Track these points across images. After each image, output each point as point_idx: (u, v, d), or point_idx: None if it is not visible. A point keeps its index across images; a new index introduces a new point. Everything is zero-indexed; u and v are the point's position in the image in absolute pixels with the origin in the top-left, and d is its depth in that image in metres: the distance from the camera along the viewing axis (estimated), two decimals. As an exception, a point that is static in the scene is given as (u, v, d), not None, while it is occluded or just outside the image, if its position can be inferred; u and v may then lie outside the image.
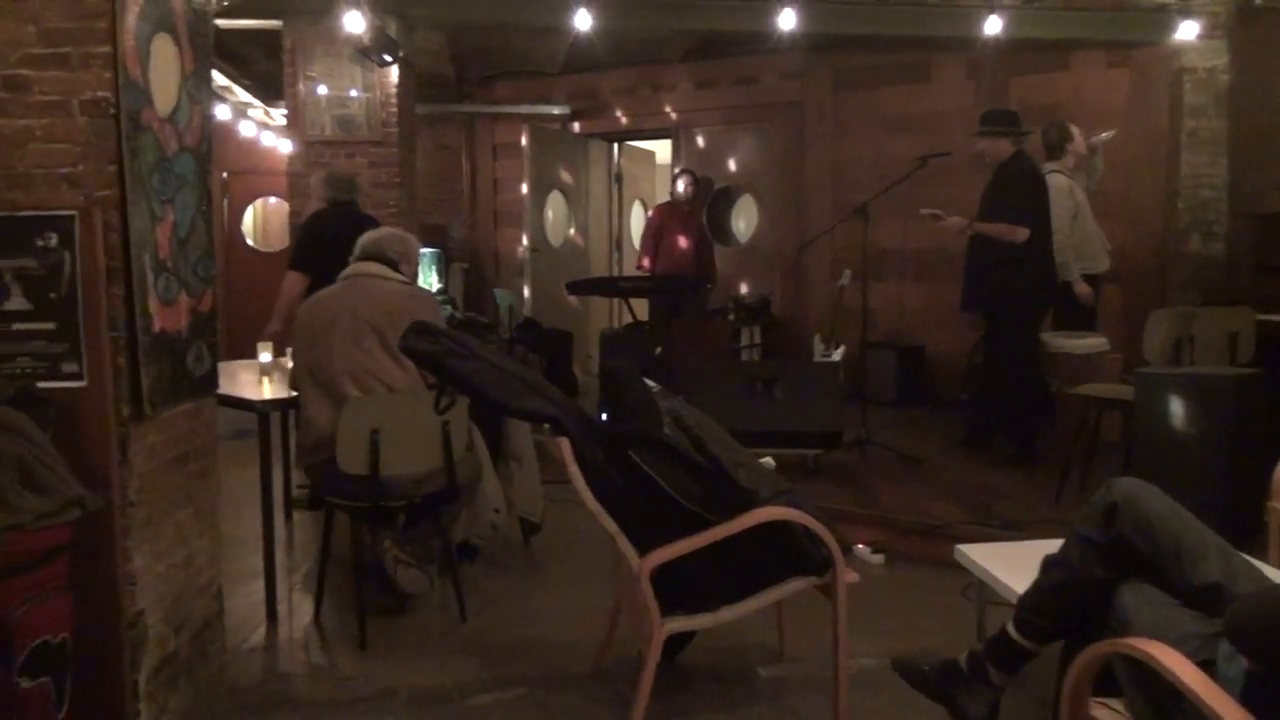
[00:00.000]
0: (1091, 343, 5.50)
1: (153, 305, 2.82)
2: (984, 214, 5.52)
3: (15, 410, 2.47)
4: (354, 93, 6.18)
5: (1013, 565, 2.85)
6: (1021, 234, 5.34)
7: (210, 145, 3.26)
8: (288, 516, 5.03)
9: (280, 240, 9.71)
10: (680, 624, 2.70)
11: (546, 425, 2.62)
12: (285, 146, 9.36)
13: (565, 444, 2.57)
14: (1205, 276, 6.59)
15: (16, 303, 2.64)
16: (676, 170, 8.42)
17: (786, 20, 5.57)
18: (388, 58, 5.96)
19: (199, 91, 3.14)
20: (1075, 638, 2.11)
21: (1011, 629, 2.28)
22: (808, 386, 5.10)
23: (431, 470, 3.57)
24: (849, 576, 2.71)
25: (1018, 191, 5.42)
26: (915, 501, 4.80)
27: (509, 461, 4.46)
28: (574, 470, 2.58)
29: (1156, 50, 6.86)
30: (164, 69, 2.90)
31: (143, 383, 2.75)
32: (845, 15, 6.29)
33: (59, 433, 2.58)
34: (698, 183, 8.27)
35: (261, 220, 10.35)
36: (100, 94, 2.62)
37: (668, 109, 8.94)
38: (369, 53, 5.90)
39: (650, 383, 2.65)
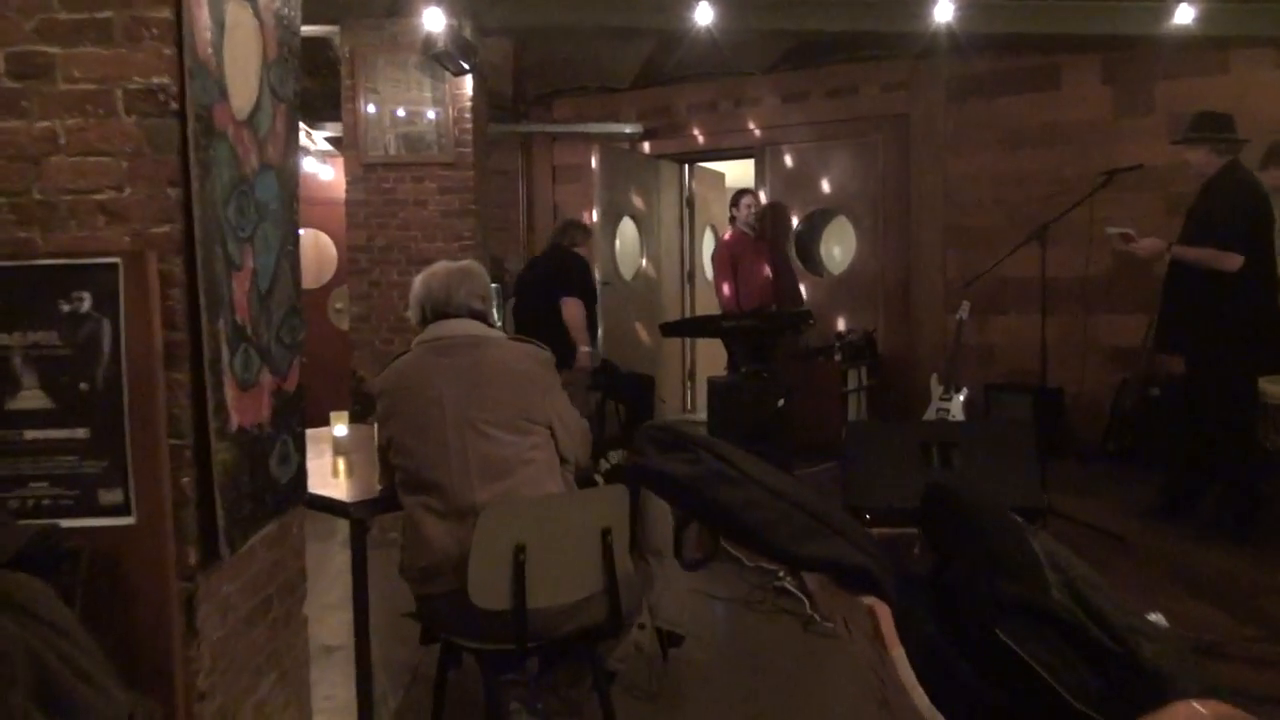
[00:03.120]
0: (1321, 392, 4.56)
1: (229, 392, 1.92)
2: (1190, 237, 4.60)
3: (30, 576, 1.56)
4: (429, 114, 5.30)
5: None
6: (1233, 261, 4.41)
7: (297, 163, 2.37)
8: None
9: (318, 276, 8.60)
10: None
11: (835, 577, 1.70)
12: (326, 173, 8.53)
13: (884, 612, 1.64)
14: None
15: (30, 398, 1.74)
16: (737, 192, 7.50)
17: (943, 12, 4.68)
18: (464, 64, 5.08)
19: (283, 87, 2.25)
20: None
21: None
22: (996, 451, 4.15)
23: (590, 597, 2.65)
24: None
25: (1229, 211, 4.49)
26: (1151, 598, 3.83)
27: (646, 558, 3.52)
28: (898, 654, 1.65)
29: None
30: (242, 51, 2.01)
31: (218, 512, 1.85)
32: (993, 11, 5.40)
33: (93, 600, 1.68)
34: (766, 205, 7.43)
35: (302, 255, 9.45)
36: (157, 80, 1.73)
37: (751, 125, 8.04)
38: (443, 59, 5.02)
39: (1016, 517, 1.74)
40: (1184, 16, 4.94)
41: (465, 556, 2.50)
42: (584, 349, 5.71)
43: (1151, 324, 5.97)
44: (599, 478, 3.44)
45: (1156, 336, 4.81)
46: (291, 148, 2.29)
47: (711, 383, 5.65)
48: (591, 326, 5.96)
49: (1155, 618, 1.94)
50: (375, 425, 2.92)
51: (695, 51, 7.07)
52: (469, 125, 5.48)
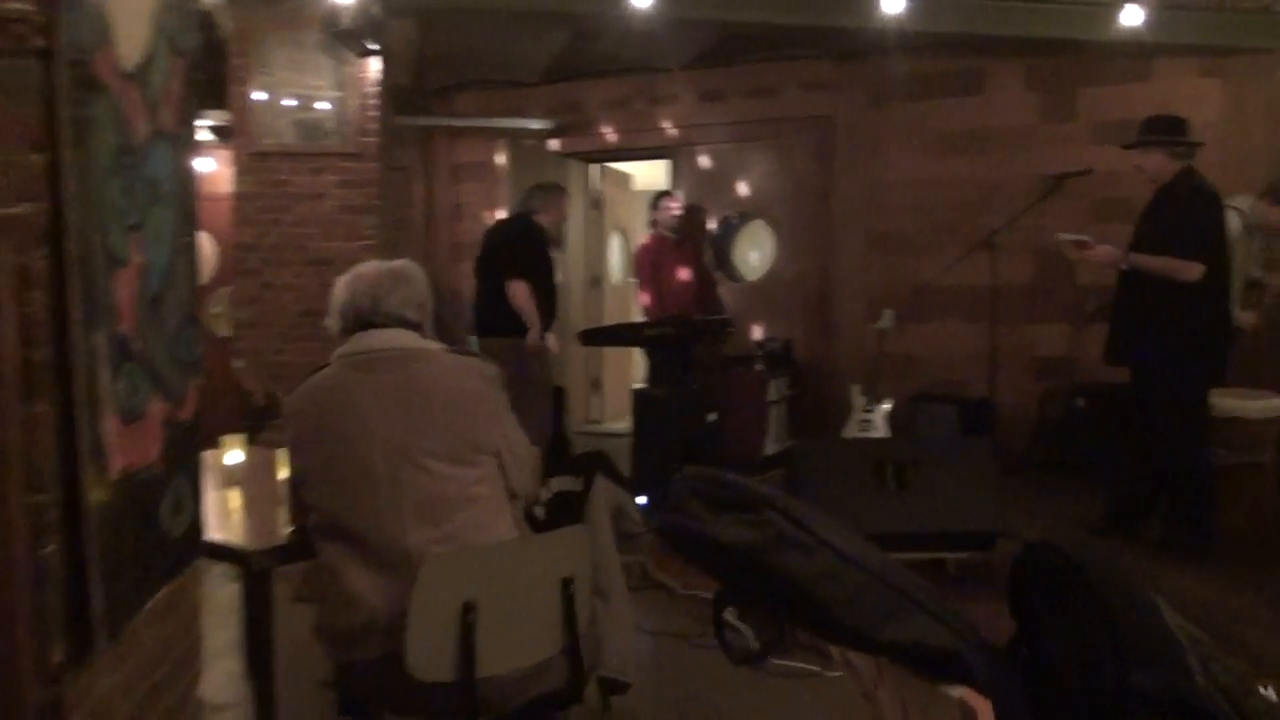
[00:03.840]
0: (1272, 404, 4.47)
1: (108, 427, 1.46)
2: (1141, 245, 4.45)
3: None
4: (329, 100, 4.78)
5: None
6: (1194, 270, 4.28)
7: (193, 134, 1.91)
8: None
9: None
10: None
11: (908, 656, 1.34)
12: (205, 165, 7.85)
13: (984, 709, 1.29)
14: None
15: None
16: (657, 193, 7.16)
17: (893, 3, 4.42)
18: (370, 45, 4.59)
19: (182, 38, 1.79)
20: None
21: None
22: (952, 470, 3.90)
23: (548, 660, 2.24)
24: None
25: (1186, 218, 4.35)
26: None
27: (592, 598, 3.12)
28: (1000, 762, 1.29)
29: (1259, 59, 5.96)
30: (129, -17, 1.55)
31: (93, 589, 1.39)
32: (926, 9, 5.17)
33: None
34: (686, 207, 7.13)
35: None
36: (15, 6, 1.27)
37: (665, 124, 7.69)
38: (346, 38, 4.53)
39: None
40: (1132, 19, 4.79)
41: (398, 615, 2.07)
42: (532, 332, 5.21)
43: (1076, 333, 5.87)
44: (539, 510, 3.03)
45: (1105, 347, 4.63)
46: (189, 114, 1.83)
47: (639, 395, 5.28)
48: (549, 302, 5.40)
49: (1268, 692, 1.65)
50: (285, 453, 2.45)
51: (609, 45, 6.71)
52: (373, 113, 4.99)
